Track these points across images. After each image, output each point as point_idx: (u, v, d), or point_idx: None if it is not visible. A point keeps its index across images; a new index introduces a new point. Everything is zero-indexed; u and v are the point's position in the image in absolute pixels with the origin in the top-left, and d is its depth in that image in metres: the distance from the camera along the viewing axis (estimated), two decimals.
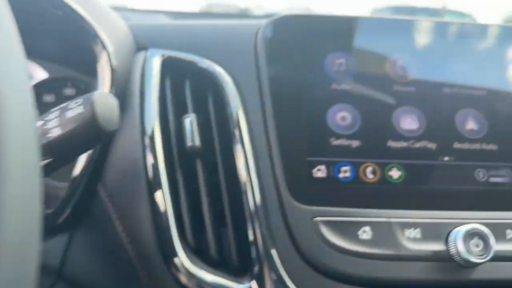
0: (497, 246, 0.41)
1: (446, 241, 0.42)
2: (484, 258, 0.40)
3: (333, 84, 0.47)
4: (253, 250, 0.42)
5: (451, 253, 0.41)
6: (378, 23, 0.51)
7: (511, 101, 0.49)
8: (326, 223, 0.41)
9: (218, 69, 0.48)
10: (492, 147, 0.47)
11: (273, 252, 0.41)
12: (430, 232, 0.42)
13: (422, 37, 0.51)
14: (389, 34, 0.51)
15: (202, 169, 0.45)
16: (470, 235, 0.41)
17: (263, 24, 0.49)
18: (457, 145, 0.46)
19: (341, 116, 0.46)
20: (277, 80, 0.46)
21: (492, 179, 0.46)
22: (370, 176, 0.44)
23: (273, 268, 0.40)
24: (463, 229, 0.41)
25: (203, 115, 0.47)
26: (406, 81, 0.48)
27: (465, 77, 0.49)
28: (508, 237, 0.43)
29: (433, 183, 0.45)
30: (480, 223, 0.42)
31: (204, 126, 0.46)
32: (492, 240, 0.41)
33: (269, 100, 0.45)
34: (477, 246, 0.41)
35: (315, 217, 0.41)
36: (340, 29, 0.50)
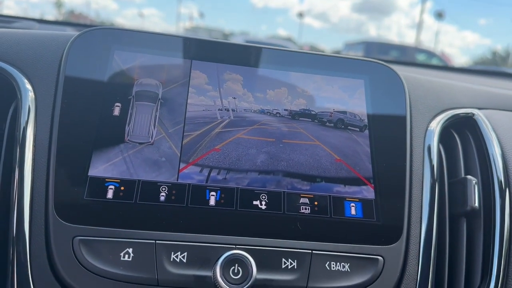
0: (260, 275, 0.40)
1: (213, 267, 0.40)
2: (242, 286, 0.39)
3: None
4: (9, 270, 0.40)
5: (213, 279, 0.40)
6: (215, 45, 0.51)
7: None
8: (87, 242, 0.40)
9: (20, 78, 0.47)
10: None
11: (29, 272, 0.39)
12: (198, 257, 0.41)
13: None
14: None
15: None
16: (230, 261, 0.40)
17: (73, 37, 0.48)
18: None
19: None
20: (72, 94, 0.46)
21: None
22: None
23: None
24: (225, 255, 0.40)
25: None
26: None
27: None
28: (278, 266, 0.42)
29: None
30: (246, 249, 0.41)
31: None
32: (253, 268, 0.40)
33: (58, 114, 0.44)
34: (237, 273, 0.39)
35: (76, 236, 0.40)
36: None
